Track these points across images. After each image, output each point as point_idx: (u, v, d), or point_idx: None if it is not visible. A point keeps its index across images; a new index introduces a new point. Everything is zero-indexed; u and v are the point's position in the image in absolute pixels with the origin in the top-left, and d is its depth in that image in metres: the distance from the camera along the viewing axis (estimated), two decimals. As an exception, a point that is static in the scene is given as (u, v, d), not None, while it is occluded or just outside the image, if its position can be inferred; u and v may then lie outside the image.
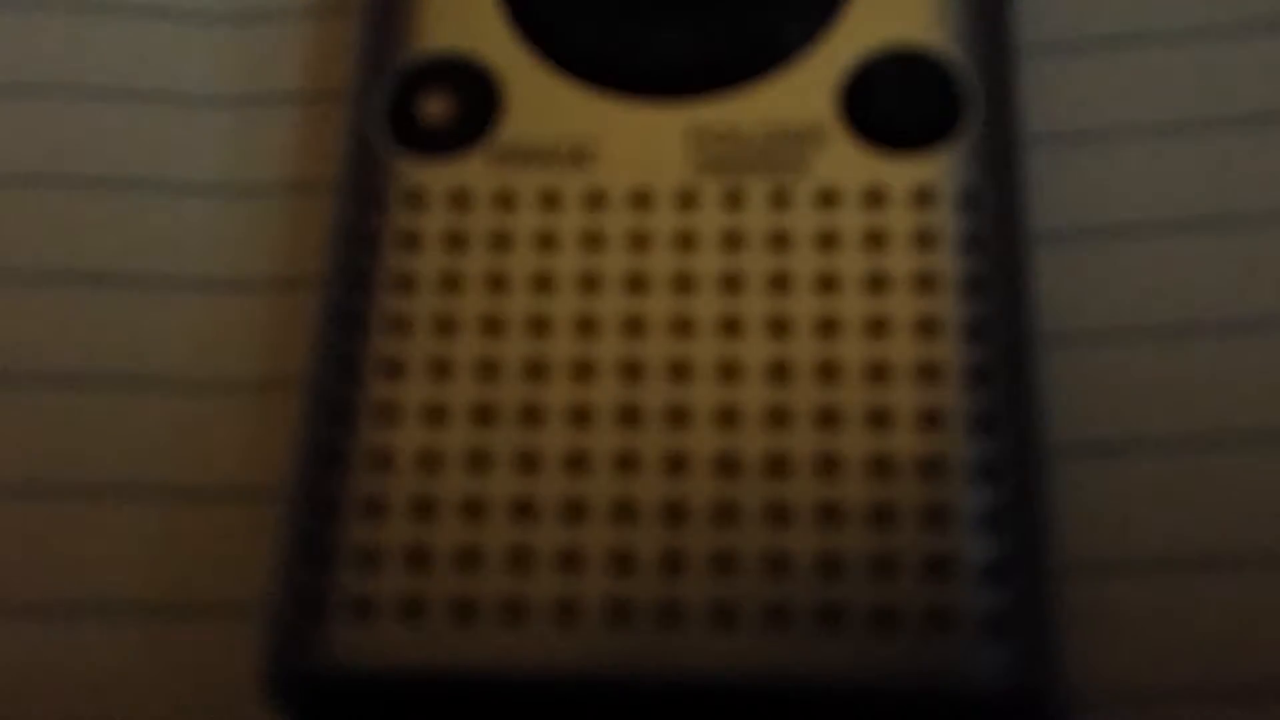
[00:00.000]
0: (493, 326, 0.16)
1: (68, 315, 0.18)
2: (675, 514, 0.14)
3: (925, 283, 0.15)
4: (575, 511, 0.15)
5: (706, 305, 0.16)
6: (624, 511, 0.14)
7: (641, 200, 0.16)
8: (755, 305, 0.15)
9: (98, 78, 0.20)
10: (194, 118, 0.19)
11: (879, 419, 0.15)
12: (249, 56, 0.20)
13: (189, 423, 0.17)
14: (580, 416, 0.15)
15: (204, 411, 0.17)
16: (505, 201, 0.16)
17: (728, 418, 0.15)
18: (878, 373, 0.15)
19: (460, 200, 0.16)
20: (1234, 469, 0.16)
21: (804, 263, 0.16)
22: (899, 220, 0.16)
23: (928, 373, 0.15)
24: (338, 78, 0.19)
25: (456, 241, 0.16)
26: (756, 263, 0.16)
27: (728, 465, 0.15)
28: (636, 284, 0.16)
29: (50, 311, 0.18)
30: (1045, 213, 0.18)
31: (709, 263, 0.16)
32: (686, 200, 0.16)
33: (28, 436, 0.17)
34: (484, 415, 0.15)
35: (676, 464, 0.15)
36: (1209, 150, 0.18)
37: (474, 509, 0.15)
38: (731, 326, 0.15)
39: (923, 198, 0.16)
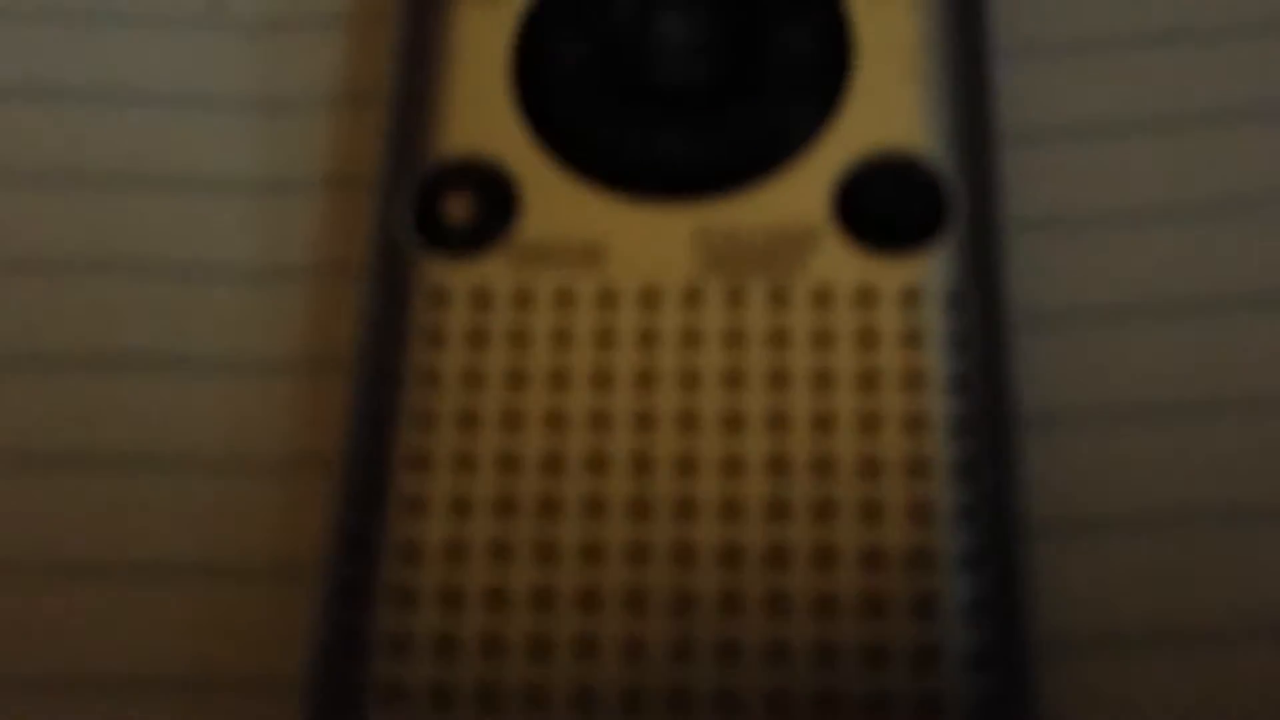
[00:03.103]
0: (512, 421, 0.17)
1: (105, 397, 0.19)
2: (683, 604, 0.16)
3: (913, 380, 0.17)
4: (590, 601, 0.16)
5: (710, 401, 0.17)
6: (635, 601, 0.16)
7: (650, 298, 0.17)
8: (756, 401, 0.17)
9: (133, 165, 0.21)
10: (225, 203, 0.21)
11: (870, 512, 0.16)
12: (278, 144, 0.21)
13: (221, 502, 0.19)
14: (594, 508, 0.16)
15: (235, 491, 0.19)
16: (523, 300, 0.17)
17: (731, 510, 0.16)
18: (869, 467, 0.16)
19: (481, 298, 0.18)
20: (1210, 546, 0.17)
21: (801, 360, 0.17)
22: (889, 320, 0.17)
23: (916, 468, 0.16)
24: (362, 164, 0.20)
25: (478, 338, 0.17)
26: (757, 360, 0.17)
27: (731, 556, 0.16)
28: (645, 380, 0.17)
29: (87, 394, 0.19)
30: (1028, 297, 0.19)
31: (713, 359, 0.17)
32: (692, 298, 0.17)
33: (63, 517, 0.18)
34: (505, 508, 0.16)
35: (684, 555, 0.16)
36: (1186, 236, 0.19)
37: (496, 599, 0.16)
38: (734, 422, 0.17)
39: (910, 298, 0.17)
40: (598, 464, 0.17)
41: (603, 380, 0.17)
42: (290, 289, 0.20)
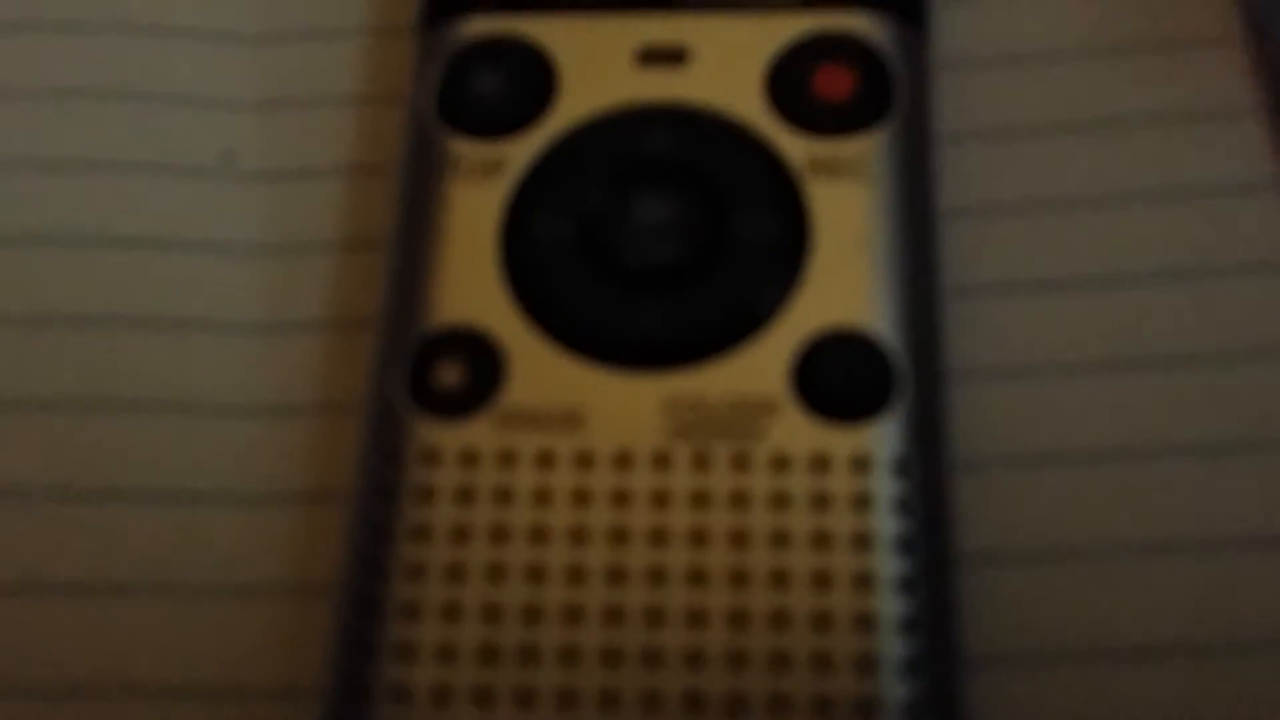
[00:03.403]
0: (495, 574, 0.18)
1: (112, 529, 0.21)
2: None
3: (861, 541, 0.18)
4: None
5: (677, 557, 0.18)
6: None
7: (624, 461, 0.19)
8: (718, 558, 0.18)
9: (144, 308, 0.23)
10: (232, 343, 0.22)
11: (821, 663, 0.18)
12: (282, 287, 0.23)
13: (224, 628, 0.20)
14: (569, 657, 0.18)
15: (238, 617, 0.20)
16: (508, 460, 0.19)
17: (694, 660, 0.18)
18: (821, 622, 0.18)
19: (469, 459, 0.19)
20: (1140, 683, 0.19)
21: (759, 520, 0.19)
22: (840, 484, 0.19)
23: (863, 622, 0.18)
24: (361, 307, 0.22)
25: (465, 496, 0.19)
26: (720, 520, 0.19)
27: (694, 703, 0.18)
28: (618, 537, 0.19)
29: (95, 526, 0.21)
30: (969, 440, 0.21)
31: (680, 518, 0.19)
32: (662, 462, 0.19)
33: (75, 642, 0.20)
34: (488, 655, 0.18)
35: (651, 701, 0.18)
36: (1119, 386, 0.21)
37: (481, 742, 0.17)
38: (698, 577, 0.18)
39: (860, 464, 0.19)
40: (573, 615, 0.18)
41: (578, 536, 0.19)
42: (292, 425, 0.22)
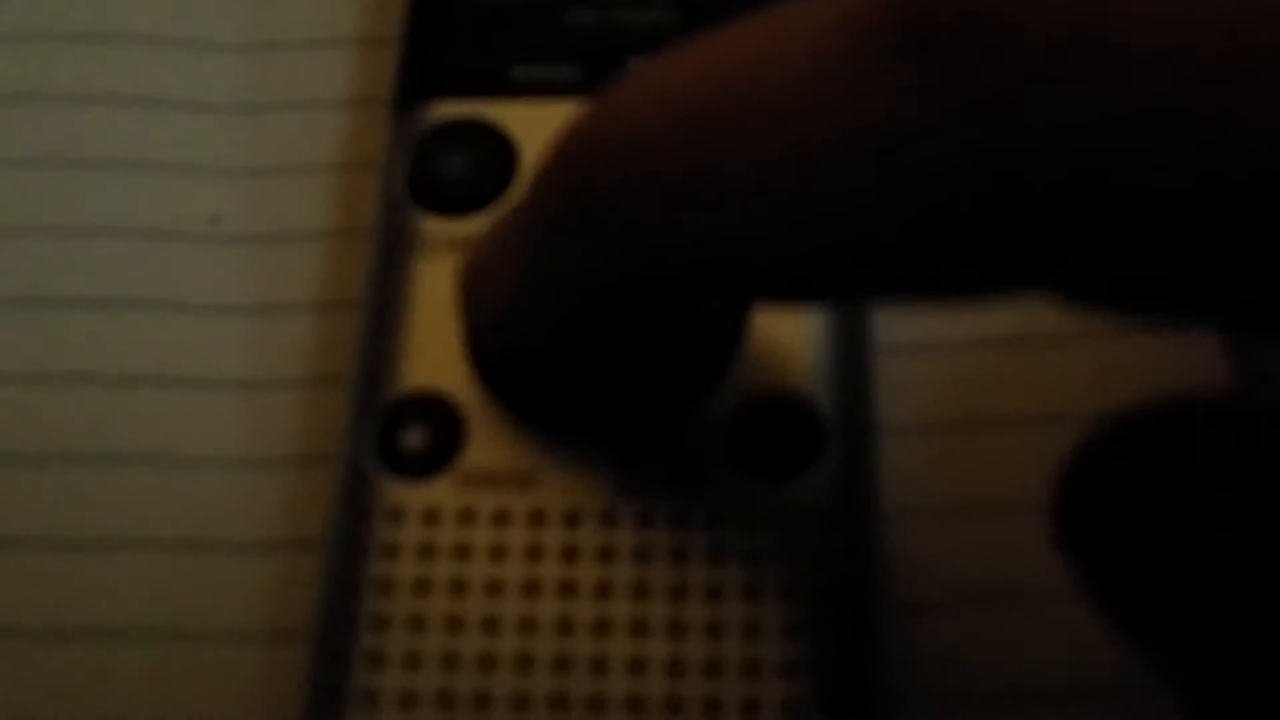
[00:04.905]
0: (454, 625, 0.20)
1: (91, 575, 0.23)
2: None
3: (791, 591, 0.20)
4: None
5: (621, 609, 0.20)
6: None
7: (573, 519, 0.21)
8: (659, 610, 0.20)
9: (137, 366, 0.24)
10: (217, 398, 0.24)
11: (750, 710, 0.19)
12: (265, 344, 0.25)
13: (205, 670, 0.22)
14: (520, 703, 0.20)
15: (218, 659, 0.22)
16: (467, 518, 0.21)
17: (634, 705, 0.19)
18: (751, 669, 0.20)
19: (431, 517, 0.21)
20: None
21: (698, 574, 0.20)
22: (772, 537, 0.20)
23: (791, 669, 0.19)
24: (337, 364, 0.24)
25: (427, 552, 0.21)
26: (660, 574, 0.20)
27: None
28: (567, 590, 0.20)
29: (74, 572, 0.23)
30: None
31: (624, 573, 0.20)
32: (608, 519, 0.21)
33: (56, 684, 0.22)
34: (445, 701, 0.20)
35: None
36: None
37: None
38: (641, 628, 0.20)
39: (790, 519, 0.20)
40: (525, 663, 0.20)
41: (531, 588, 0.20)
42: (271, 478, 0.23)
